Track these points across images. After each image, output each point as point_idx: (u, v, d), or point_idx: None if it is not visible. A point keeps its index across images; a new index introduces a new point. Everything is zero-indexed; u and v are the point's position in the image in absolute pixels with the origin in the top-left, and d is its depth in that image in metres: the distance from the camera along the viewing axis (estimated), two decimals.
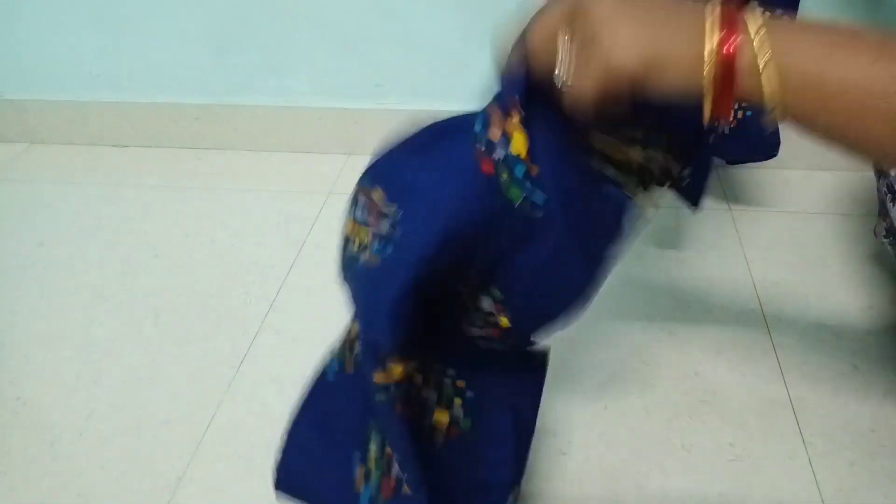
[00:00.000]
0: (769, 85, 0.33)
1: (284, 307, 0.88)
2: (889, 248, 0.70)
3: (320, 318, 0.83)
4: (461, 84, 1.06)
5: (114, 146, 1.24)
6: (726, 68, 0.33)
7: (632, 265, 0.88)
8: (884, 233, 0.70)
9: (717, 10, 0.34)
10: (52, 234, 1.04)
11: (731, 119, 0.34)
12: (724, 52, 0.33)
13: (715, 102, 0.34)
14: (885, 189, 0.67)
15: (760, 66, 0.33)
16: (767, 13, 0.34)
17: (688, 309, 0.82)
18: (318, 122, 1.14)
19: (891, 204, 0.65)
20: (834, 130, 0.34)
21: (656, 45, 0.34)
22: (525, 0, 1.01)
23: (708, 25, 0.33)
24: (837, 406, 0.70)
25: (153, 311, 0.88)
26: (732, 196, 1.00)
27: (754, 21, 0.33)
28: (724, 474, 0.65)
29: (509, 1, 1.04)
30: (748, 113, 0.69)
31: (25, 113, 1.24)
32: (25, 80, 1.19)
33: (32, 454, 0.72)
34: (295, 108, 1.13)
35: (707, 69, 0.33)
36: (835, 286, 0.84)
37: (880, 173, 0.68)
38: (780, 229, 0.94)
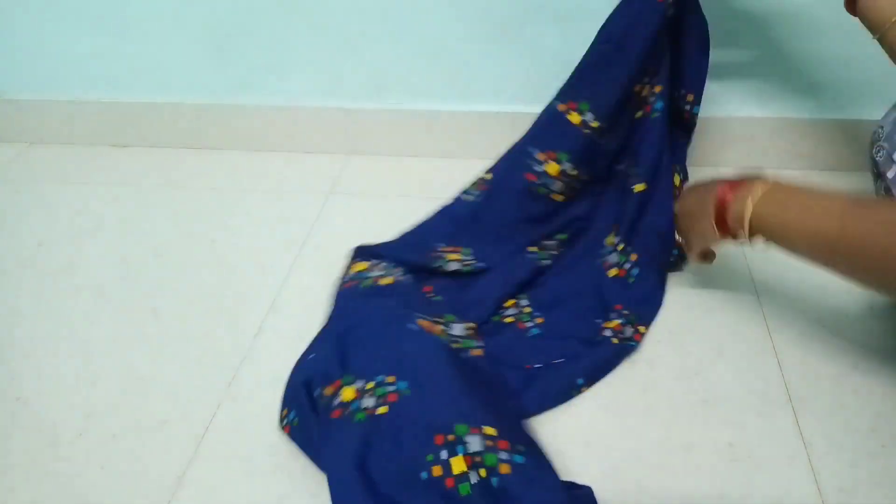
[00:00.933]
0: (747, 222, 0.62)
1: (284, 307, 0.88)
2: None
3: (320, 318, 0.83)
4: (461, 84, 1.06)
5: (114, 146, 1.24)
6: (720, 214, 0.65)
7: None
8: None
9: (719, 189, 0.66)
10: (52, 234, 1.04)
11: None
12: (720, 203, 0.65)
13: (719, 228, 0.67)
14: (882, 192, 0.67)
15: (745, 213, 0.61)
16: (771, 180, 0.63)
17: (688, 309, 0.83)
18: (318, 122, 1.14)
19: None
20: (789, 249, 0.60)
21: (704, 237, 0.71)
22: (522, 1, 1.01)
23: (713, 196, 0.67)
24: (837, 406, 0.70)
25: (153, 311, 0.88)
26: None
27: (759, 185, 0.62)
28: (724, 474, 0.65)
29: (508, 1, 1.04)
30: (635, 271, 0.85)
31: (25, 113, 1.24)
32: (25, 80, 1.19)
33: (32, 454, 0.72)
34: (295, 108, 1.13)
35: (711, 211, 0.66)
36: (835, 286, 0.84)
37: (877, 176, 0.68)
38: None
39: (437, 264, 0.85)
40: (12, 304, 0.92)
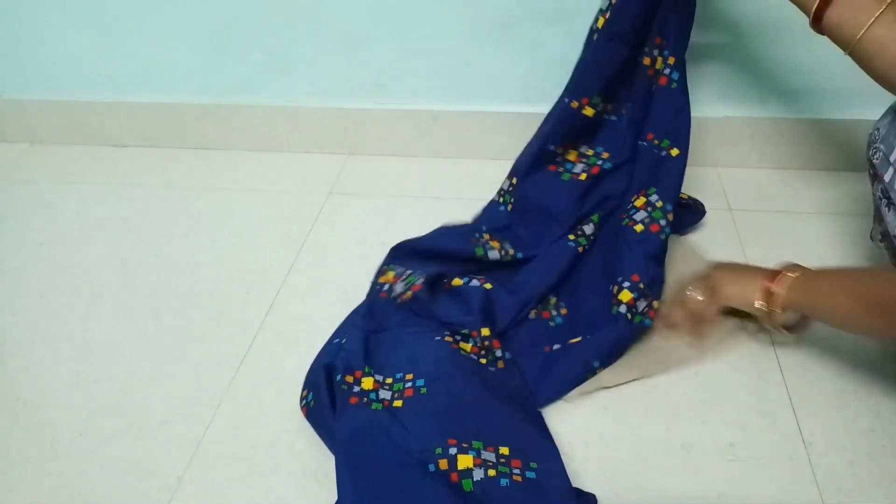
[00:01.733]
0: (784, 300, 0.69)
1: (284, 307, 0.88)
2: (885, 251, 0.70)
3: (320, 318, 0.83)
4: (461, 84, 1.06)
5: (114, 146, 1.25)
6: (766, 294, 0.70)
7: None
8: (879, 237, 0.70)
9: (765, 276, 0.71)
10: (52, 234, 1.04)
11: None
12: (765, 288, 0.70)
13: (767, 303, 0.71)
14: (879, 194, 0.67)
15: (781, 293, 0.69)
16: (798, 272, 0.70)
17: None
18: (318, 122, 1.14)
19: (885, 209, 0.65)
20: (820, 318, 0.69)
21: (742, 294, 0.72)
22: (522, 1, 1.00)
23: (760, 283, 0.71)
24: (837, 406, 0.70)
25: (153, 311, 0.88)
26: (732, 196, 1.00)
27: (788, 275, 0.69)
28: (724, 474, 0.65)
29: (509, 1, 1.04)
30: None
31: (25, 113, 1.24)
32: (25, 80, 1.19)
33: (32, 454, 0.72)
34: (295, 108, 1.13)
35: (758, 295, 0.71)
36: None
37: (874, 178, 0.68)
38: (780, 229, 0.94)
39: (479, 250, 0.87)
40: (12, 304, 0.92)
